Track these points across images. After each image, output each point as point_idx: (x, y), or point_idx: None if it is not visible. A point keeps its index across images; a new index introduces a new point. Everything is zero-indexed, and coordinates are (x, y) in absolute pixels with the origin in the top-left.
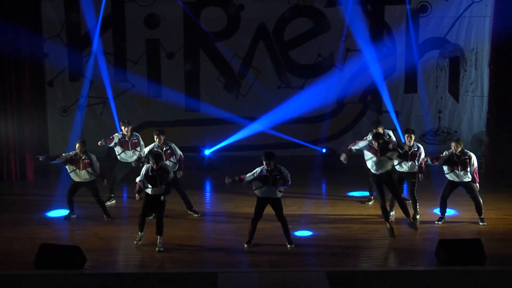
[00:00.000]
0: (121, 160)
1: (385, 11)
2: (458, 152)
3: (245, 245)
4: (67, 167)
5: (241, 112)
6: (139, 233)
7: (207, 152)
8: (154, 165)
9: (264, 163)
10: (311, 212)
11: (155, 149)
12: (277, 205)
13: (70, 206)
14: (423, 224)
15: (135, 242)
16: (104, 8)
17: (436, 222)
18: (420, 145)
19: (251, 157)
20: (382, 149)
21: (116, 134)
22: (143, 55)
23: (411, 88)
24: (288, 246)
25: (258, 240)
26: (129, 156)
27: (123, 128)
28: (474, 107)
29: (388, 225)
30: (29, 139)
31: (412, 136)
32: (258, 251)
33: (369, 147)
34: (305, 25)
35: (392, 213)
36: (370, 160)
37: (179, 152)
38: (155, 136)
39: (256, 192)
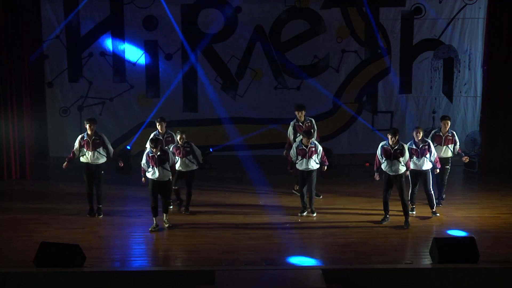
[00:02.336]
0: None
1: (380, 12)
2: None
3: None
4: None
5: (238, 113)
6: (154, 219)
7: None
8: (153, 149)
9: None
10: (307, 210)
11: (156, 136)
12: (310, 176)
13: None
14: (417, 223)
15: (150, 229)
16: (103, 10)
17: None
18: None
19: (248, 157)
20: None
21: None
22: (142, 56)
23: (406, 89)
24: (312, 214)
25: (255, 239)
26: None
27: (87, 126)
28: (467, 107)
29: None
30: (29, 140)
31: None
32: (255, 249)
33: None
34: (301, 26)
35: (414, 212)
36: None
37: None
38: (157, 123)
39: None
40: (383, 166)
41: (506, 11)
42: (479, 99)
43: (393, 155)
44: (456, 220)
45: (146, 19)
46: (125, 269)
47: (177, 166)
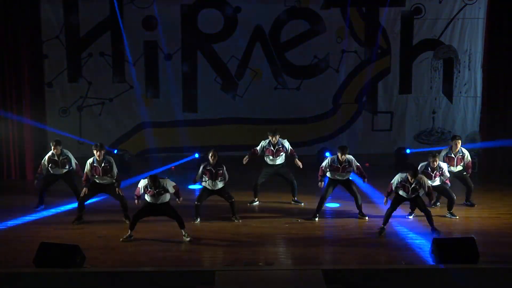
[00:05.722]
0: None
1: (380, 12)
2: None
3: (312, 218)
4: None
5: (238, 113)
6: (129, 231)
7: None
8: (151, 187)
9: (339, 154)
10: (308, 210)
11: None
12: (349, 184)
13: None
14: (417, 223)
15: (121, 239)
16: (103, 10)
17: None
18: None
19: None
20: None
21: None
22: (141, 56)
23: (406, 89)
24: (365, 217)
25: (255, 239)
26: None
27: (95, 152)
28: (467, 107)
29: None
30: (28, 140)
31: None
32: (255, 249)
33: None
34: (301, 26)
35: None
36: None
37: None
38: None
39: (328, 174)
40: (400, 192)
41: (506, 11)
42: (479, 99)
43: (411, 191)
44: (456, 221)
45: (146, 19)
46: (125, 270)
47: (206, 184)
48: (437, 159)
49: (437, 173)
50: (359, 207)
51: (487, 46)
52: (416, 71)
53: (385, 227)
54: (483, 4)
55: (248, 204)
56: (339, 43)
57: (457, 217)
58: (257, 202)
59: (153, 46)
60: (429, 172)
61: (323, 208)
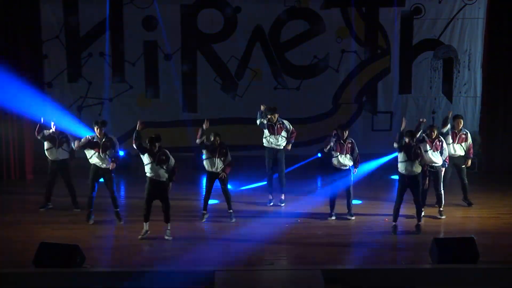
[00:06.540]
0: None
1: (380, 13)
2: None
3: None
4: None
5: (238, 113)
6: (144, 225)
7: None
8: (150, 146)
9: (339, 131)
10: (307, 210)
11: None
12: (348, 175)
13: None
14: (417, 223)
15: (139, 237)
16: (103, 10)
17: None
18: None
19: (247, 157)
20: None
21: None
22: (141, 56)
23: (406, 89)
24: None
25: (255, 239)
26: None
27: (95, 128)
28: (467, 107)
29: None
30: (28, 140)
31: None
32: (254, 249)
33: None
34: (301, 26)
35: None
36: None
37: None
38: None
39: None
40: (400, 168)
41: (506, 11)
42: (479, 99)
43: (413, 155)
44: (456, 220)
45: (146, 19)
46: (124, 270)
47: (207, 164)
48: (435, 130)
49: (438, 143)
50: (349, 206)
51: (487, 46)
52: (416, 71)
53: (396, 224)
54: (483, 4)
55: (268, 204)
56: (339, 43)
57: (444, 217)
58: (274, 200)
59: (153, 46)
60: (428, 140)
61: (322, 209)
